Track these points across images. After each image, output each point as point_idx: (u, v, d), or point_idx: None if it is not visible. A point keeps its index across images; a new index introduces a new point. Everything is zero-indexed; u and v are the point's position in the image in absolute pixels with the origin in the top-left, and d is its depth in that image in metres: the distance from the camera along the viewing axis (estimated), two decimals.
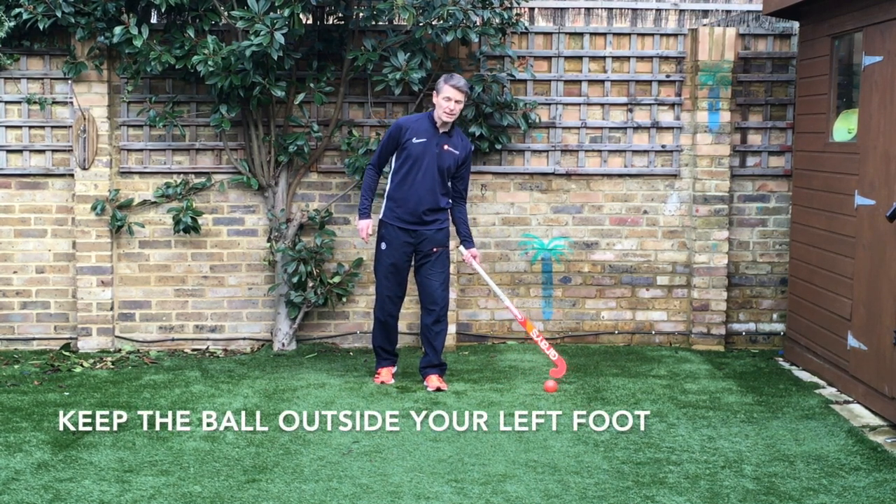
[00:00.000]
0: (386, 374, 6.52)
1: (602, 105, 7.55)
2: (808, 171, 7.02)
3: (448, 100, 6.16)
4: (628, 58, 7.53)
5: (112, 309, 7.36)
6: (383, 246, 6.37)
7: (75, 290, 7.34)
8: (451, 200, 6.44)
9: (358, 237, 7.45)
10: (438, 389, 6.30)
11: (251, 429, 5.55)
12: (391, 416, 5.69)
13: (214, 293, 7.46)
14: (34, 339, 7.41)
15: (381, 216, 6.40)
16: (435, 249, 6.35)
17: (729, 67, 7.39)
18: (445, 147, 6.27)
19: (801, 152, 7.20)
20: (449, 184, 6.39)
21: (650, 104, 7.54)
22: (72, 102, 7.24)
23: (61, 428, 5.51)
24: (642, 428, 5.61)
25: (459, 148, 6.33)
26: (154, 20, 7.30)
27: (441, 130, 6.27)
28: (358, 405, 6.00)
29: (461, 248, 6.56)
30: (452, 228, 6.60)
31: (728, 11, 8.68)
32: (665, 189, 7.57)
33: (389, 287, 6.40)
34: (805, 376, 6.83)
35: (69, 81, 7.20)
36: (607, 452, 5.21)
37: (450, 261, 6.52)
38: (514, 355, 7.25)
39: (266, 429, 5.55)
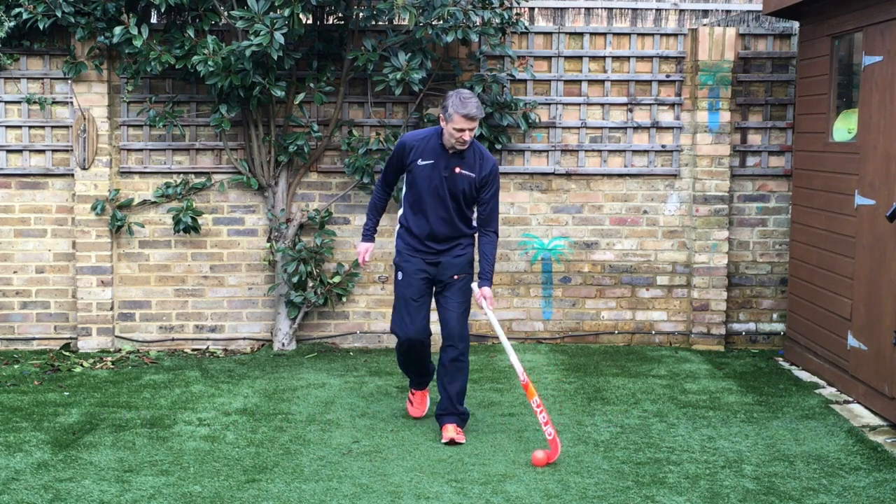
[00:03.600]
0: (420, 400, 5.77)
1: (602, 105, 7.54)
2: (808, 171, 7.02)
3: (460, 131, 5.21)
4: (628, 58, 7.52)
5: (112, 309, 7.36)
6: (399, 276, 5.50)
7: (75, 290, 7.34)
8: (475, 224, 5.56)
9: (358, 237, 7.46)
10: (452, 442, 5.33)
11: (251, 429, 5.55)
12: (391, 416, 5.69)
13: (214, 293, 7.46)
14: (34, 339, 7.41)
15: (395, 244, 5.61)
16: (455, 277, 5.45)
17: (729, 67, 7.39)
18: (457, 170, 5.32)
19: (801, 152, 7.20)
20: (474, 209, 5.50)
21: (650, 104, 7.54)
22: (72, 102, 7.24)
23: (61, 428, 5.51)
24: (642, 428, 5.62)
25: (476, 169, 5.34)
26: (154, 20, 7.31)
27: (451, 151, 5.34)
28: (358, 405, 6.00)
29: (474, 284, 5.51)
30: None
31: (728, 11, 8.69)
32: (665, 189, 7.57)
33: (411, 317, 5.44)
34: (805, 376, 6.83)
35: (69, 81, 7.21)
36: (607, 452, 5.21)
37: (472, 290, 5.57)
38: None
39: (266, 429, 5.55)
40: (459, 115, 5.16)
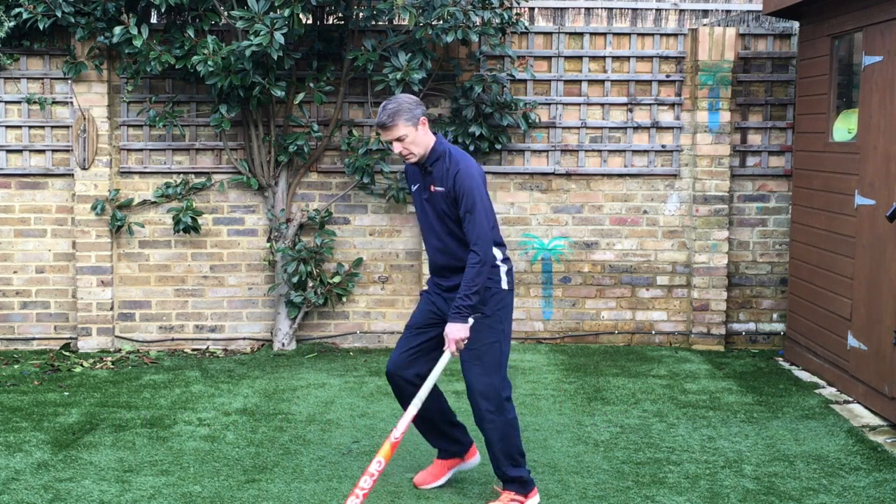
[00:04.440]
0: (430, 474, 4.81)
1: (602, 105, 7.54)
2: (808, 171, 7.02)
3: (389, 143, 4.47)
4: (628, 58, 7.52)
5: (112, 309, 7.36)
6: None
7: (75, 290, 7.34)
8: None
9: (358, 237, 7.47)
10: None
11: (251, 429, 5.55)
12: (391, 416, 5.69)
13: (214, 293, 7.46)
14: (34, 339, 7.41)
15: None
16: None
17: (729, 67, 7.39)
18: (433, 188, 4.48)
19: (801, 152, 7.20)
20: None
21: (650, 104, 7.54)
22: (72, 102, 7.24)
23: (61, 428, 5.51)
24: (642, 428, 5.62)
25: (445, 181, 4.42)
26: (154, 20, 7.31)
27: (423, 169, 4.53)
28: (358, 405, 6.00)
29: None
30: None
31: (728, 11, 8.69)
32: (665, 189, 7.56)
33: (398, 346, 4.66)
34: (805, 376, 6.83)
35: (69, 81, 7.21)
36: (607, 452, 5.21)
37: (496, 333, 4.52)
38: (514, 355, 7.24)
39: (266, 429, 5.55)
40: (378, 127, 4.42)
